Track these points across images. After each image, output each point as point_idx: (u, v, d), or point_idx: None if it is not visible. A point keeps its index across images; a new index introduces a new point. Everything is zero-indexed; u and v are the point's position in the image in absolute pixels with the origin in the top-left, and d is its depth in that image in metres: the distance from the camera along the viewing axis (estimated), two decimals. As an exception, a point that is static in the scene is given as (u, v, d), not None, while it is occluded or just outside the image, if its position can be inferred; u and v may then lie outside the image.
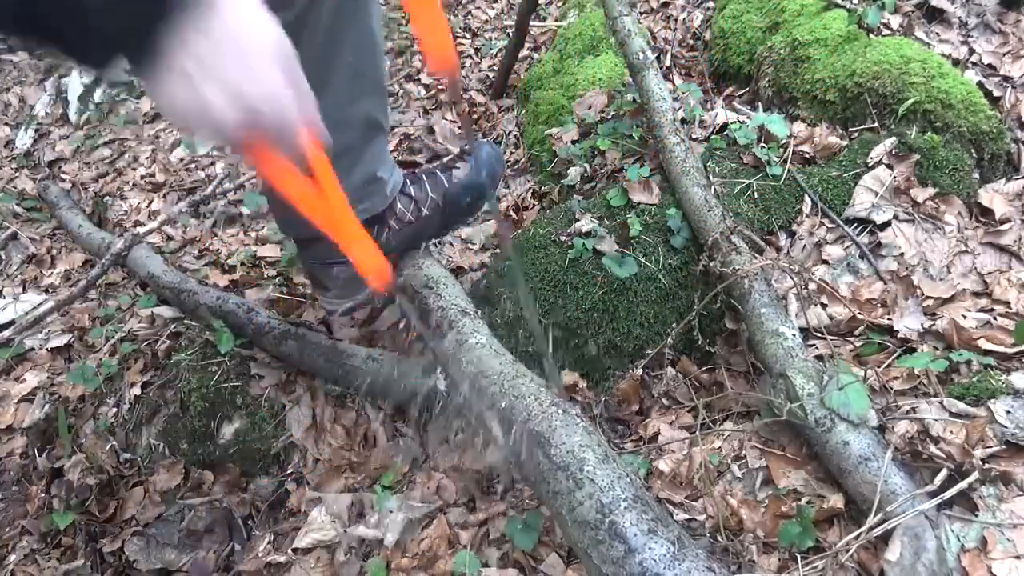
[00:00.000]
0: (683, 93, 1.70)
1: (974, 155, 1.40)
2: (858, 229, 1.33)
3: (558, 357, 1.32)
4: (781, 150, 1.46)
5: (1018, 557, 0.78)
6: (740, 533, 0.97)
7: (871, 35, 1.54)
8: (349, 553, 1.17)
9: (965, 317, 1.13)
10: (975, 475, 0.84)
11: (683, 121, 1.60)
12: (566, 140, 1.77)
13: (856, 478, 0.89)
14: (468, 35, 2.86)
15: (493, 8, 3.03)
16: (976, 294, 1.22)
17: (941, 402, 0.96)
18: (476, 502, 1.20)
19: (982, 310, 1.16)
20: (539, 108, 2.00)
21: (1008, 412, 0.90)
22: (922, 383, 1.04)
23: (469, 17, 2.98)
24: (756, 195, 1.38)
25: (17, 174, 2.71)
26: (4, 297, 1.96)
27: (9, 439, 1.50)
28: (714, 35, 1.93)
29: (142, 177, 2.53)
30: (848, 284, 1.28)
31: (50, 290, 2.02)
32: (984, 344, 1.07)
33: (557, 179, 1.76)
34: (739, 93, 1.81)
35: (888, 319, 1.18)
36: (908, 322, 1.16)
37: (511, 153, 2.14)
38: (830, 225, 1.36)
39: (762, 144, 1.47)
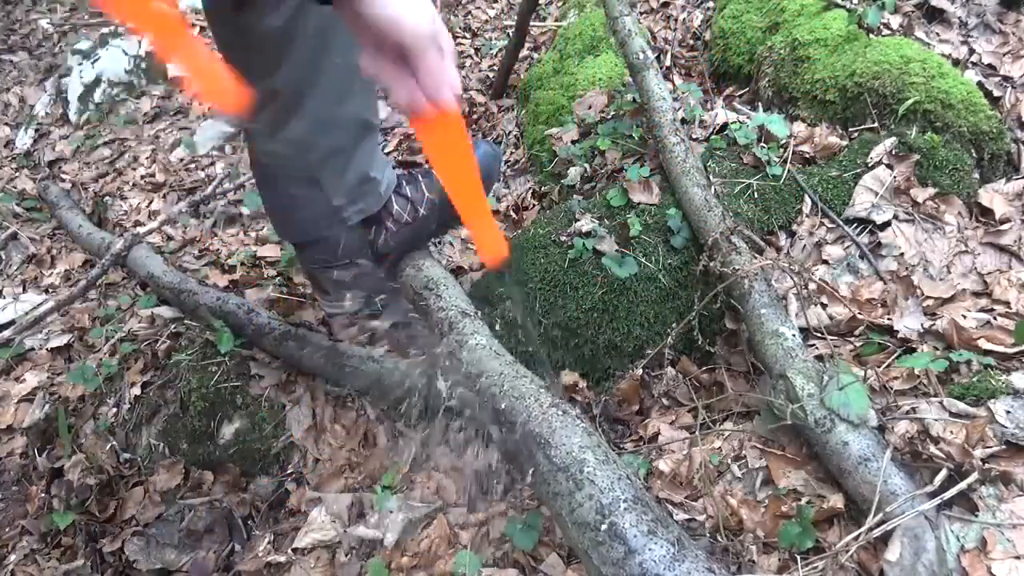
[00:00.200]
0: (683, 93, 1.70)
1: (974, 155, 1.40)
2: (858, 229, 1.33)
3: (558, 357, 1.32)
4: (781, 150, 1.46)
5: (1018, 557, 0.78)
6: (740, 533, 0.97)
7: (871, 35, 1.54)
8: (349, 553, 1.17)
9: (965, 317, 1.13)
10: (975, 475, 0.83)
11: (683, 121, 1.60)
12: (566, 140, 1.77)
13: (856, 478, 0.89)
14: (468, 35, 2.86)
15: (493, 8, 3.03)
16: (976, 294, 1.22)
17: (941, 402, 0.96)
18: (476, 502, 1.20)
19: (982, 310, 1.16)
20: (539, 108, 2.00)
21: (1008, 412, 0.90)
22: (922, 383, 1.04)
23: (469, 17, 2.98)
24: (756, 195, 1.38)
25: (17, 174, 2.71)
26: (4, 297, 1.96)
27: (9, 439, 1.50)
28: (714, 35, 1.93)
29: (142, 177, 2.53)
30: (848, 284, 1.28)
31: (50, 290, 2.02)
32: (984, 344, 1.07)
33: (557, 179, 1.76)
34: (739, 93, 1.81)
35: (888, 319, 1.18)
36: (908, 322, 1.16)
37: (511, 153, 2.14)
38: (830, 225, 1.36)
39: (762, 144, 1.47)
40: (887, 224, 1.32)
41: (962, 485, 0.83)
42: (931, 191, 1.34)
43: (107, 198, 2.44)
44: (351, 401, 1.41)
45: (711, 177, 1.40)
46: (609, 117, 1.72)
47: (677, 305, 1.33)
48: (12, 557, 1.30)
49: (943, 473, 0.86)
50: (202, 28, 2.47)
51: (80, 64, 2.99)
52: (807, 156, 1.47)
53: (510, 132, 2.22)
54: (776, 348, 1.07)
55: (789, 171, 1.41)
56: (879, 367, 1.09)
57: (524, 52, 2.40)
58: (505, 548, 1.10)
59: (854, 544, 0.82)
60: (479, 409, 1.00)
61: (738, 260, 1.19)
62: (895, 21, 1.64)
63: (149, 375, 1.48)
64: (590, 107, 1.79)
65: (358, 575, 1.14)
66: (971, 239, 1.30)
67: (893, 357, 1.11)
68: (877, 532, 0.82)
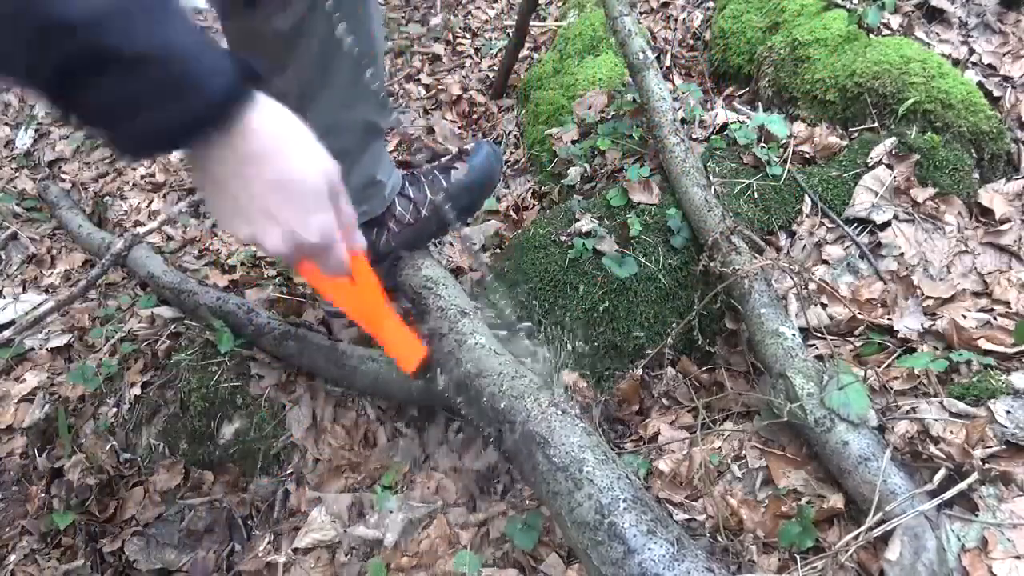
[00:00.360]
0: (683, 93, 1.70)
1: (974, 155, 1.40)
2: (858, 229, 1.33)
3: (558, 357, 1.32)
4: (781, 150, 1.46)
5: (1018, 557, 0.78)
6: (740, 533, 0.97)
7: (871, 35, 1.54)
8: (349, 553, 1.17)
9: (965, 317, 1.13)
10: (975, 475, 0.83)
11: (683, 121, 1.60)
12: (566, 140, 1.77)
13: (856, 478, 0.89)
14: (468, 35, 2.86)
15: (493, 8, 3.03)
16: (976, 294, 1.22)
17: (941, 402, 0.96)
18: (476, 502, 1.20)
19: (982, 310, 1.16)
20: (539, 108, 2.00)
21: (1008, 412, 0.90)
22: (922, 383, 1.04)
23: (469, 17, 2.98)
24: (756, 195, 1.38)
25: (17, 174, 2.71)
26: (4, 297, 1.96)
27: (9, 439, 1.50)
28: (714, 35, 1.93)
29: (142, 177, 2.53)
30: (848, 284, 1.28)
31: (50, 290, 2.02)
32: (984, 344, 1.07)
33: (557, 179, 1.76)
34: (739, 93, 1.81)
35: (888, 319, 1.18)
36: (908, 322, 1.16)
37: (511, 153, 2.14)
38: (830, 225, 1.35)
39: (762, 144, 1.47)
40: (887, 224, 1.32)
41: (962, 485, 0.83)
42: (931, 191, 1.33)
43: (107, 198, 2.44)
44: (351, 401, 1.41)
45: (711, 177, 1.40)
46: (609, 117, 1.72)
47: (677, 305, 1.33)
48: (12, 557, 1.30)
49: (943, 473, 0.86)
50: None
51: (80, 64, 2.99)
52: (807, 156, 1.47)
53: (510, 132, 2.23)
54: (776, 348, 1.07)
55: (789, 171, 1.41)
56: (879, 367, 1.09)
57: (524, 52, 2.41)
58: (505, 548, 1.10)
59: (854, 544, 0.82)
60: (477, 409, 0.99)
61: (738, 260, 1.19)
62: (895, 21, 1.64)
63: (149, 375, 1.48)
64: (590, 107, 1.79)
65: (358, 575, 1.14)
66: (971, 239, 1.30)
67: (893, 357, 1.11)
68: (877, 532, 0.82)
